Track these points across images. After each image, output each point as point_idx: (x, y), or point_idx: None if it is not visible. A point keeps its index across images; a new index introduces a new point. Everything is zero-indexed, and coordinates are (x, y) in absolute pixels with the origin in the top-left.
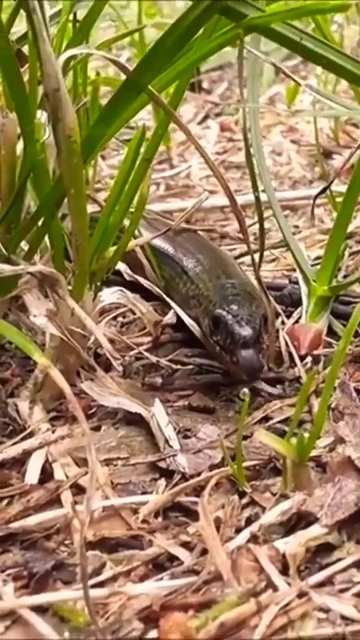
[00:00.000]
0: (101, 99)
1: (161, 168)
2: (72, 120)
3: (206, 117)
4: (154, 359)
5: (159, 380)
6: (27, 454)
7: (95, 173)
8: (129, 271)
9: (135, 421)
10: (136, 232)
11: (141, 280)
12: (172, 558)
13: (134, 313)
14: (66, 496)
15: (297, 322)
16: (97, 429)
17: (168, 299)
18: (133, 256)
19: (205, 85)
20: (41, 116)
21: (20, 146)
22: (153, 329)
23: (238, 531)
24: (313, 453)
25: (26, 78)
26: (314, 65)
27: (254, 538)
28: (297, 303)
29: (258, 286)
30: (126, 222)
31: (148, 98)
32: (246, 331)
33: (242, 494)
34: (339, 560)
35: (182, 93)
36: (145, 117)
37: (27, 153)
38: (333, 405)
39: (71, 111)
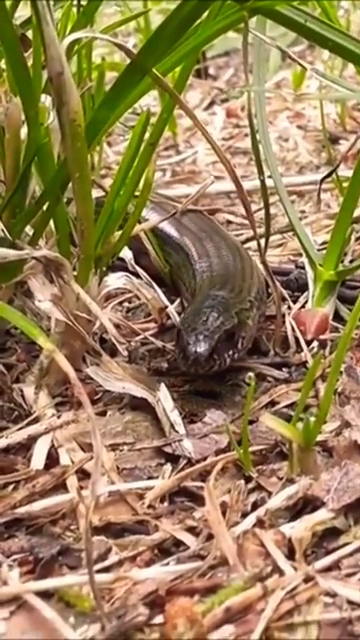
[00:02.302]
0: (107, 86)
1: (167, 154)
2: (76, 104)
3: (212, 103)
4: (160, 344)
5: (165, 365)
6: (32, 439)
7: (101, 159)
8: (133, 262)
9: (141, 406)
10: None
11: (141, 272)
12: (178, 543)
13: (140, 298)
14: (72, 481)
15: (303, 307)
16: (103, 414)
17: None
18: (139, 241)
19: (211, 71)
20: (45, 100)
21: (24, 130)
22: (158, 316)
23: (244, 516)
24: (319, 437)
25: (30, 62)
26: (320, 51)
27: (260, 523)
28: (303, 288)
29: (264, 271)
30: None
31: (153, 82)
32: (196, 348)
33: (248, 479)
34: (345, 544)
35: (187, 77)
36: (151, 103)
37: (31, 137)
38: (339, 389)
39: (75, 95)
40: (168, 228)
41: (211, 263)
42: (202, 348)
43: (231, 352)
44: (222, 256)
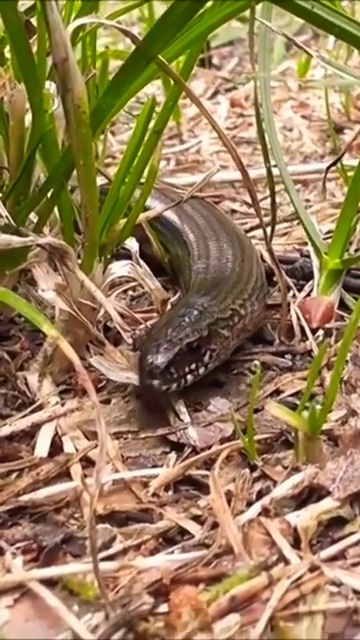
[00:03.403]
0: (110, 74)
1: (171, 143)
2: (81, 90)
3: (216, 93)
4: None
5: None
6: (36, 427)
7: (105, 148)
8: (138, 254)
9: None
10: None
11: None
12: (183, 532)
13: (144, 287)
14: (76, 469)
15: (308, 295)
16: (107, 402)
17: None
18: (143, 229)
19: (215, 61)
20: (50, 87)
21: (29, 117)
22: (160, 307)
23: (249, 504)
24: (325, 426)
25: (34, 49)
26: (324, 41)
27: (265, 511)
28: (308, 276)
29: (270, 259)
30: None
31: (158, 69)
32: (153, 360)
33: (253, 467)
34: (351, 534)
35: (192, 64)
36: (156, 93)
37: (36, 124)
38: (345, 378)
39: (80, 81)
40: (173, 220)
41: (208, 265)
42: (158, 360)
43: (194, 366)
44: (222, 257)
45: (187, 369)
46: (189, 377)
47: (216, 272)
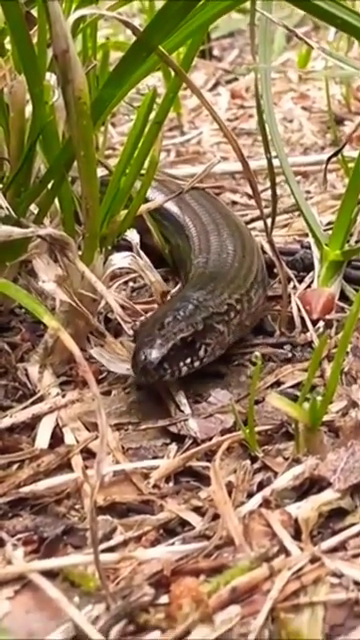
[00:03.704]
0: (111, 66)
1: (172, 135)
2: (82, 81)
3: (217, 84)
4: None
5: None
6: (37, 419)
7: (105, 140)
8: (139, 246)
9: (145, 386)
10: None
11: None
12: (183, 523)
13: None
14: (76, 460)
15: (309, 287)
16: (107, 394)
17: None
18: (144, 220)
19: (216, 52)
20: (50, 78)
21: (29, 108)
22: (160, 299)
23: (250, 496)
24: (326, 417)
25: (35, 40)
26: (325, 33)
27: (266, 503)
28: (309, 268)
29: (270, 250)
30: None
31: (158, 60)
32: (146, 355)
33: (254, 459)
34: (352, 525)
35: (193, 55)
36: (156, 85)
37: (36, 115)
38: (345, 369)
39: (80, 72)
40: (175, 213)
41: (208, 259)
42: (151, 356)
43: (189, 360)
44: (222, 252)
45: (181, 363)
46: (184, 369)
47: (215, 267)
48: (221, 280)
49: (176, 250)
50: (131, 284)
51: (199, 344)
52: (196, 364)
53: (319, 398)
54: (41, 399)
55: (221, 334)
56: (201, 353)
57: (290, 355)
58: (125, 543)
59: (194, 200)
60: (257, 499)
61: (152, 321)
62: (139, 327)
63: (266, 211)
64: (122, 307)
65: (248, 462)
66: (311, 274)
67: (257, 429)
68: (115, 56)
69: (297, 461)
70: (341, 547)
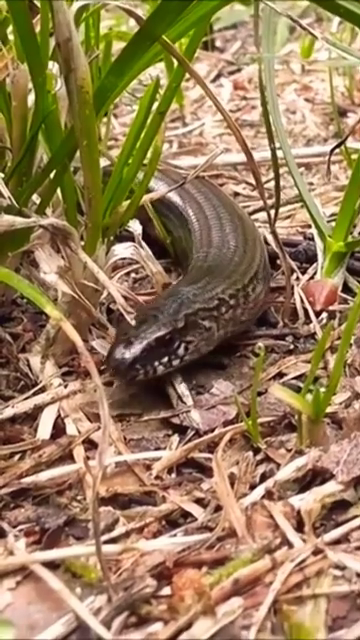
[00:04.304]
0: (114, 56)
1: (174, 126)
2: (84, 70)
3: (219, 75)
4: None
5: None
6: (39, 409)
7: (108, 131)
8: (140, 237)
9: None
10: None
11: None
12: (186, 514)
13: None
14: (78, 451)
15: (312, 278)
16: (109, 384)
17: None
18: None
19: (218, 44)
20: (53, 67)
21: (32, 98)
22: (162, 290)
23: (252, 487)
24: (329, 409)
25: (38, 29)
26: (328, 24)
27: (269, 494)
28: (312, 259)
29: (274, 241)
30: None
31: (161, 50)
32: (118, 355)
33: (257, 450)
34: (355, 517)
35: (197, 45)
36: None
37: (39, 105)
38: (349, 361)
39: (83, 61)
40: (179, 206)
41: (208, 253)
42: (123, 356)
43: (166, 359)
44: (223, 246)
45: (157, 363)
46: (160, 368)
47: (214, 261)
48: (217, 275)
49: (178, 242)
50: (133, 275)
51: (178, 342)
52: (175, 362)
53: (322, 389)
54: (43, 390)
55: (207, 330)
56: (180, 351)
57: (293, 346)
58: (127, 534)
59: (198, 192)
60: (260, 491)
61: (134, 316)
62: (120, 323)
63: (269, 202)
64: (124, 298)
65: (251, 454)
66: (314, 265)
67: (260, 421)
68: (117, 47)
69: (300, 453)
70: (344, 539)
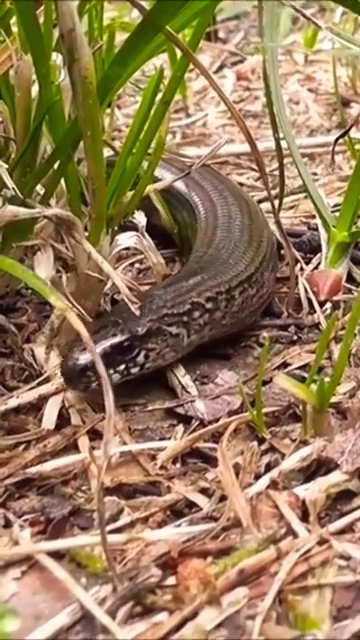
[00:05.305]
0: (117, 48)
1: (177, 117)
2: (88, 61)
3: (222, 66)
4: None
5: None
6: (43, 399)
7: (111, 122)
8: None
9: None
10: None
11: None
12: (190, 504)
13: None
14: (83, 441)
15: (316, 268)
16: None
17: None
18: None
19: (221, 35)
20: (56, 58)
21: (35, 88)
22: (162, 281)
23: (257, 477)
24: (333, 399)
25: (41, 20)
26: (331, 15)
27: (274, 484)
28: (316, 250)
29: (278, 231)
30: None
31: (165, 40)
32: (70, 361)
33: (261, 440)
34: None
35: (200, 35)
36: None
37: (42, 95)
38: (353, 351)
39: (87, 51)
40: (192, 203)
41: (205, 254)
42: (76, 361)
43: (123, 367)
44: (223, 247)
45: (111, 370)
46: (115, 377)
47: (207, 262)
48: (198, 276)
49: (186, 240)
50: (137, 265)
51: (138, 349)
52: (134, 371)
53: (327, 379)
54: (47, 380)
55: (174, 337)
56: (140, 359)
57: (297, 337)
58: (132, 524)
59: (214, 189)
60: (264, 481)
61: (97, 321)
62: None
63: (273, 193)
64: (128, 288)
65: (255, 444)
66: (318, 256)
67: (264, 410)
68: (121, 39)
69: (305, 443)
70: (349, 529)
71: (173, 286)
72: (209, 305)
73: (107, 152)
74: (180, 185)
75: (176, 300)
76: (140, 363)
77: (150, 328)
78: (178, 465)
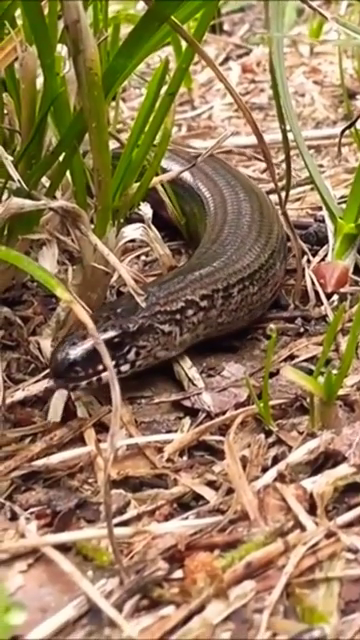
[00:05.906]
0: (122, 40)
1: (183, 109)
2: (93, 52)
3: (227, 59)
4: None
5: None
6: (50, 392)
7: (117, 114)
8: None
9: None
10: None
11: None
12: (197, 497)
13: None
14: (89, 434)
15: (323, 260)
16: None
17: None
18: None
19: (226, 27)
20: (61, 50)
21: (40, 80)
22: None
23: (264, 470)
24: (340, 391)
25: (46, 11)
26: (336, 7)
27: (281, 477)
28: (322, 241)
29: (285, 223)
30: None
31: (170, 31)
32: (59, 355)
33: (268, 433)
34: None
35: (205, 27)
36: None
37: (47, 87)
38: None
39: (92, 42)
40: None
41: (209, 249)
42: (64, 357)
43: (113, 364)
44: (227, 244)
45: (101, 367)
46: (105, 374)
47: (208, 258)
48: (195, 272)
49: (195, 235)
50: (143, 258)
51: (129, 346)
52: (124, 368)
53: (334, 372)
54: None
55: (166, 334)
56: (130, 356)
57: (304, 329)
58: (139, 517)
59: (226, 184)
60: (272, 473)
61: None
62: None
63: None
64: (135, 280)
65: (262, 436)
66: (325, 247)
67: (271, 403)
68: (125, 31)
69: (312, 435)
70: (357, 522)
71: (168, 283)
72: (204, 303)
73: (113, 144)
74: (191, 179)
75: (169, 297)
76: (131, 360)
77: (142, 325)
78: (185, 458)
